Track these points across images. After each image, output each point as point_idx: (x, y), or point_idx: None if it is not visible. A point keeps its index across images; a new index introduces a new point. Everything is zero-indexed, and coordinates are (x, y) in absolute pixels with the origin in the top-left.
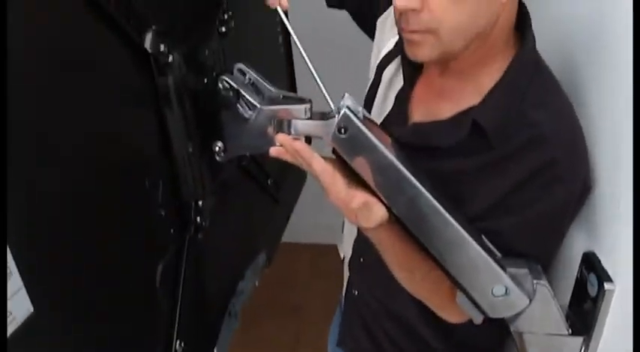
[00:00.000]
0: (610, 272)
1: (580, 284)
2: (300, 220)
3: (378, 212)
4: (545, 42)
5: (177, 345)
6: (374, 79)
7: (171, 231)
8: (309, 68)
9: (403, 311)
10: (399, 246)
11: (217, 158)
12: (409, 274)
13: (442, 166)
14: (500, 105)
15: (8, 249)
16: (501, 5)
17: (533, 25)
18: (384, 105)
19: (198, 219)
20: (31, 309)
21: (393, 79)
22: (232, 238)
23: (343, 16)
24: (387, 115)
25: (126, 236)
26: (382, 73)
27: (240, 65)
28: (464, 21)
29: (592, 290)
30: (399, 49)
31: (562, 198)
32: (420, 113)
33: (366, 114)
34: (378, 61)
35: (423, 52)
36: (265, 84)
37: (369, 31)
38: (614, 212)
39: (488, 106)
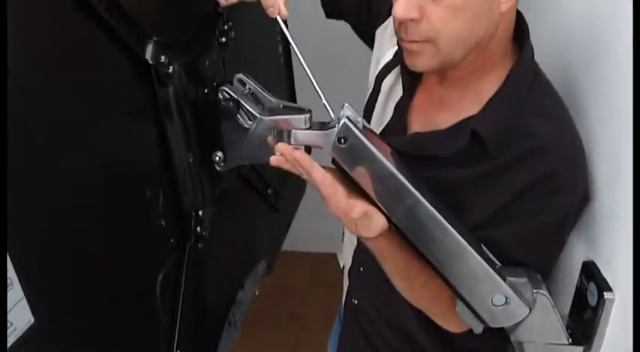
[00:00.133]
0: (609, 282)
1: (580, 294)
2: (300, 229)
3: (378, 221)
4: (544, 53)
5: None
6: (373, 89)
7: (172, 240)
8: (308, 77)
9: (403, 320)
10: (399, 255)
11: (217, 168)
12: (409, 283)
13: (442, 175)
14: (500, 115)
15: (9, 260)
16: (500, 15)
17: (531, 36)
18: (383, 115)
19: (199, 228)
20: (32, 320)
21: (392, 88)
22: (232, 247)
23: (342, 26)
24: (387, 125)
25: (126, 246)
26: (381, 83)
27: (240, 75)
28: (463, 31)
29: (592, 300)
30: (398, 59)
31: (562, 209)
32: (419, 123)
33: (366, 124)
34: (377, 71)
35: (422, 61)
36: (265, 94)
37: (369, 41)
38: (613, 221)
39: (487, 116)
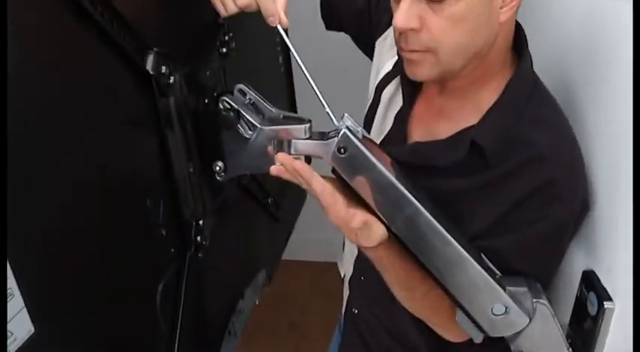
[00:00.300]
0: (609, 291)
1: (580, 303)
2: (301, 237)
3: (378, 231)
4: (542, 61)
5: None
6: (373, 99)
7: (172, 250)
8: (310, 84)
9: (403, 329)
10: (399, 265)
11: (218, 178)
12: (409, 293)
13: (441, 185)
14: (499, 125)
15: (9, 270)
16: (499, 26)
17: (530, 45)
18: (383, 125)
19: (199, 238)
20: (32, 330)
21: (392, 99)
22: (232, 257)
23: (342, 36)
24: (386, 135)
25: (127, 255)
26: (381, 93)
27: (241, 85)
28: (462, 41)
29: (592, 309)
30: (398, 70)
31: (561, 217)
32: (419, 132)
33: (366, 134)
34: (377, 82)
35: (422, 71)
36: (265, 104)
37: (368, 52)
38: (613, 231)
39: (486, 126)
